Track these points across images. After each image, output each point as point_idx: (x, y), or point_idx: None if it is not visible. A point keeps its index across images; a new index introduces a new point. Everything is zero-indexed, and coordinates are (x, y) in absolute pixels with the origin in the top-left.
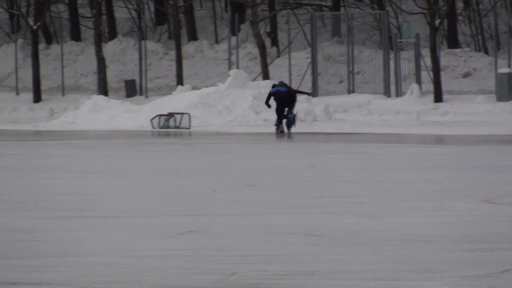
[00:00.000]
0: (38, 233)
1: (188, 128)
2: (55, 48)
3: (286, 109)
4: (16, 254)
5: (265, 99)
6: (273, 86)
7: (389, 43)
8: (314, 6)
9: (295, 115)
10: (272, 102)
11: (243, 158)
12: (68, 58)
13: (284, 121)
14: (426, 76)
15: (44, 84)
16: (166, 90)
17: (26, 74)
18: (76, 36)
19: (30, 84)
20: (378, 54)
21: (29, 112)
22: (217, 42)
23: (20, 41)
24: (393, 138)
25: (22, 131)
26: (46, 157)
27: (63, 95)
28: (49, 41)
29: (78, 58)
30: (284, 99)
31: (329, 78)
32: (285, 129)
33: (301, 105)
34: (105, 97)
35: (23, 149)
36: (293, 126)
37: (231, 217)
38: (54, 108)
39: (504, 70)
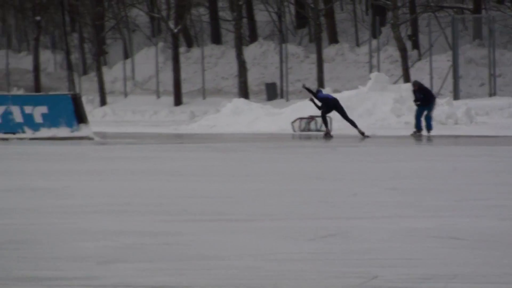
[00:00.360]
0: (178, 236)
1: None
2: (195, 51)
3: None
4: (156, 258)
5: (413, 100)
6: (318, 91)
7: None
8: (455, 9)
9: (363, 133)
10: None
11: (384, 161)
12: (208, 61)
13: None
14: None
15: (184, 87)
16: (307, 93)
17: (167, 77)
18: (216, 39)
19: (170, 87)
20: None
21: (170, 115)
22: (358, 45)
23: (160, 44)
24: None
25: (163, 134)
26: (187, 160)
27: (203, 98)
28: (189, 44)
29: (219, 61)
30: (335, 106)
31: (470, 81)
32: (426, 131)
33: (442, 108)
34: (246, 100)
35: (165, 152)
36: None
37: (372, 220)
38: (194, 111)
39: None
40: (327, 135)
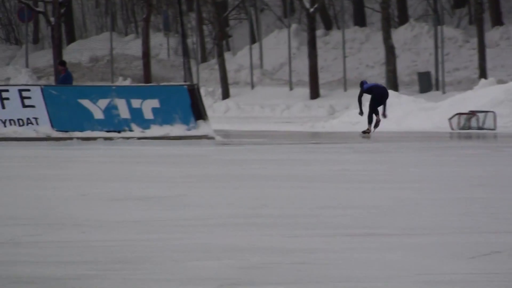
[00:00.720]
0: (315, 253)
1: (493, 129)
2: (335, 35)
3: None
4: (289, 279)
5: None
6: (363, 83)
7: None
8: None
9: (379, 121)
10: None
11: None
12: (351, 47)
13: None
14: None
15: (322, 77)
16: (466, 84)
17: (301, 65)
18: (360, 20)
19: (306, 77)
20: None
21: (305, 110)
22: None
23: (294, 26)
24: None
25: (297, 132)
26: (326, 164)
27: (345, 90)
28: (328, 27)
29: (363, 46)
30: (383, 94)
31: None
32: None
33: None
34: (395, 93)
35: (299, 154)
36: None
37: None
38: (334, 106)
39: None
40: (367, 132)
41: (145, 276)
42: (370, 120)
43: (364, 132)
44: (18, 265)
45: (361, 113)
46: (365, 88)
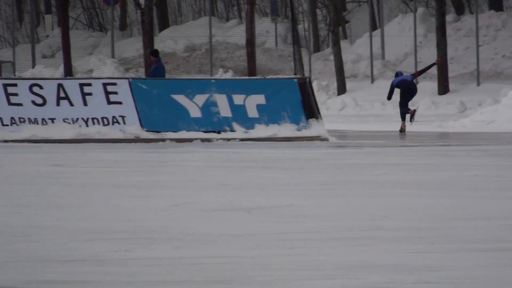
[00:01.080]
0: (442, 271)
1: None
2: (467, 21)
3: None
4: None
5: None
6: (397, 74)
7: None
8: None
9: (415, 110)
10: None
11: None
12: (485, 34)
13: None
14: None
15: (452, 70)
16: None
17: (429, 55)
18: (496, 4)
19: (433, 70)
20: None
21: (432, 107)
22: None
23: (420, 10)
24: None
25: (423, 133)
26: (455, 169)
27: (478, 84)
28: (459, 11)
29: (499, 33)
30: (411, 90)
31: None
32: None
33: None
34: None
35: (425, 157)
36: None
37: None
38: (465, 102)
39: None
40: (403, 130)
41: None
42: (403, 117)
43: (400, 130)
44: (103, 285)
45: (388, 98)
46: (394, 83)
